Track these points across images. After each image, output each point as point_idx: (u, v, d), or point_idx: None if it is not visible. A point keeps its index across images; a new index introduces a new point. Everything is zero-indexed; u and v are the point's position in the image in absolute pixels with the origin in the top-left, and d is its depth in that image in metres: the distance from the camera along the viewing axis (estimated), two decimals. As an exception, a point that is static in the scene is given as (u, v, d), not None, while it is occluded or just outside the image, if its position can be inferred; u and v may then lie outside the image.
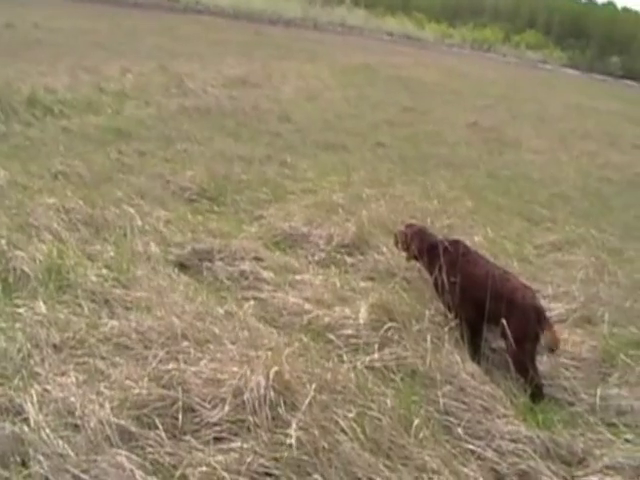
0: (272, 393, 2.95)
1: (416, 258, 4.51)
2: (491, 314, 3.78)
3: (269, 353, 3.19)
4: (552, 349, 3.89)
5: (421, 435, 2.97)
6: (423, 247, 4.39)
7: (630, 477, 3.04)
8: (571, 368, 4.04)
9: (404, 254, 4.65)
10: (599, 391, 3.74)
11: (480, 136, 12.77)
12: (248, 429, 2.86)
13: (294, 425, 2.78)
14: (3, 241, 4.47)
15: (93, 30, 21.20)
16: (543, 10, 63.58)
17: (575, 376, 3.96)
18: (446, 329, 3.88)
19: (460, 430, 3.19)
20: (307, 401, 2.89)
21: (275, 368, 3.03)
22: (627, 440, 3.34)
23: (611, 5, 68.33)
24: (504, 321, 3.72)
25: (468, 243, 4.61)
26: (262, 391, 2.94)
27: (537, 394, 3.67)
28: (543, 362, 4.00)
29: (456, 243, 4.35)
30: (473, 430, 3.23)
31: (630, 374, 3.95)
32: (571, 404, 3.71)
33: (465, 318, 4.01)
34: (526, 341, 3.76)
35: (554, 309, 4.71)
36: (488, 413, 3.37)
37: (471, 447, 3.11)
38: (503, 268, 4.28)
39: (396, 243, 4.69)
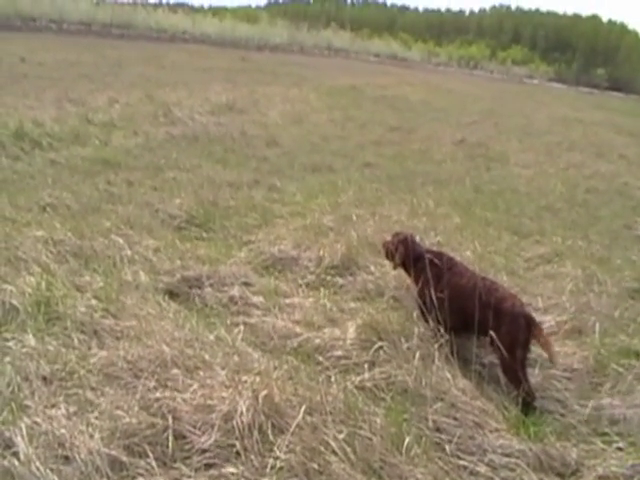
0: (262, 417, 2.95)
1: (402, 266, 4.54)
2: (480, 324, 3.78)
3: (257, 377, 3.19)
4: (547, 354, 3.89)
5: (412, 453, 2.97)
6: (409, 256, 4.42)
7: (623, 486, 3.04)
8: (563, 380, 4.04)
9: (392, 267, 4.68)
10: (591, 402, 3.75)
11: (467, 152, 12.88)
12: (237, 454, 2.86)
13: (284, 448, 2.77)
14: (-9, 275, 4.47)
15: (79, 62, 21.39)
16: (527, 25, 64.50)
17: (567, 387, 3.97)
18: (436, 346, 3.88)
19: (452, 446, 3.18)
20: (295, 423, 2.89)
21: (264, 392, 3.03)
22: (619, 449, 3.34)
23: (595, 17, 69.18)
24: (492, 332, 3.74)
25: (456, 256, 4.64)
26: (251, 415, 2.94)
27: (529, 404, 3.67)
28: (535, 375, 4.00)
29: (440, 255, 4.39)
30: (465, 446, 3.22)
31: (622, 383, 3.95)
32: (563, 415, 3.70)
33: (451, 328, 4.03)
34: (516, 349, 3.76)
35: (545, 322, 4.71)
36: (480, 428, 3.36)
37: (463, 463, 3.10)
38: (490, 279, 4.29)
39: (386, 254, 4.72)
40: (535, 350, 4.10)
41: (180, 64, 25.45)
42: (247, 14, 59.76)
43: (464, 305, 3.92)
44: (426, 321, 4.15)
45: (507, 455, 3.18)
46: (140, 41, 38.40)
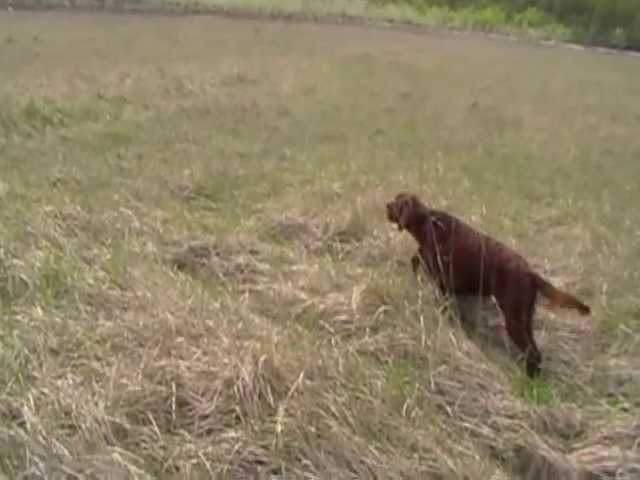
0: (262, 382, 2.96)
1: (406, 227, 4.52)
2: (484, 285, 3.75)
3: (258, 343, 3.20)
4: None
5: (413, 415, 2.97)
6: (412, 217, 4.41)
7: (627, 446, 3.02)
8: (570, 341, 4.02)
9: (397, 229, 4.67)
10: (597, 362, 3.73)
11: (480, 117, 12.73)
12: (238, 419, 2.88)
13: (283, 412, 2.79)
14: (1, 250, 4.48)
15: (91, 39, 21.31)
16: (543, -14, 63.15)
17: (574, 349, 3.95)
18: (440, 309, 3.87)
19: (455, 408, 3.18)
20: (294, 387, 2.90)
21: (263, 357, 3.04)
22: (624, 409, 3.32)
23: (613, -23, 67.59)
24: (497, 293, 3.74)
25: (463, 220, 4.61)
26: (251, 380, 2.95)
27: (534, 366, 3.65)
28: (541, 337, 3.98)
29: (445, 216, 4.36)
30: (468, 408, 3.22)
31: (629, 343, 3.92)
32: (569, 377, 3.69)
33: (456, 290, 4.01)
34: (521, 310, 3.75)
35: (553, 283, 4.67)
36: (484, 390, 3.36)
37: (466, 425, 3.10)
38: (495, 240, 4.26)
39: (389, 216, 4.71)
40: (540, 311, 4.08)
41: (192, 37, 25.27)
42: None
43: (468, 266, 3.90)
44: (431, 281, 4.13)
45: (510, 417, 3.18)
46: (153, 15, 38.12)
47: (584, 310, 3.77)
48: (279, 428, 2.73)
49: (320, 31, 36.51)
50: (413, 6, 61.08)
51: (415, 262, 4.41)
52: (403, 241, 4.94)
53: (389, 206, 4.71)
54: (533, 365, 3.65)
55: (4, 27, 22.37)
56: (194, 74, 14.58)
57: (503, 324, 3.92)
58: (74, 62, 15.21)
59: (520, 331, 3.73)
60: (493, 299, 3.93)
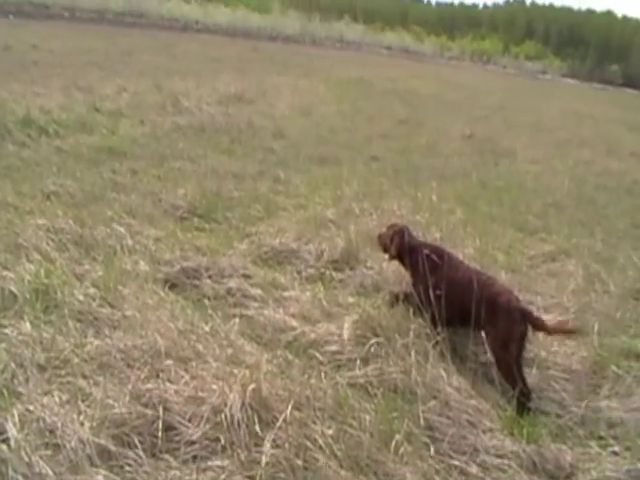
0: (249, 411, 2.93)
1: (397, 257, 4.53)
2: (475, 319, 3.74)
3: (247, 371, 3.17)
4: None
5: (402, 451, 2.94)
6: (404, 247, 4.42)
7: (617, 491, 3.00)
8: (561, 380, 3.99)
9: (388, 259, 4.68)
10: (589, 403, 3.71)
11: (475, 147, 12.80)
12: (224, 447, 2.84)
13: (268, 443, 2.76)
14: (-9, 262, 4.47)
15: (90, 50, 21.37)
16: (541, 20, 64.07)
17: (565, 388, 3.92)
18: (431, 343, 3.85)
19: (443, 445, 3.15)
20: (282, 418, 2.87)
21: (252, 386, 3.01)
22: (615, 453, 3.30)
23: (609, 13, 68.58)
24: (488, 326, 3.74)
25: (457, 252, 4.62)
26: (238, 409, 2.92)
27: (524, 404, 3.63)
28: (532, 374, 3.96)
29: (436, 248, 4.39)
30: (457, 445, 3.19)
31: (620, 385, 3.92)
32: (560, 417, 3.65)
33: (447, 322, 4.00)
34: (511, 345, 3.73)
35: (545, 321, 4.67)
36: (473, 427, 3.34)
37: (455, 462, 3.07)
38: (485, 273, 4.27)
39: (381, 246, 4.73)
40: (532, 349, 4.07)
41: (191, 54, 25.40)
42: (259, 4, 59.47)
43: (459, 299, 3.90)
44: (421, 313, 4.11)
45: (500, 456, 3.15)
46: (152, 30, 38.30)
47: (572, 333, 3.98)
48: (264, 459, 2.70)
49: (318, 54, 36.78)
50: (411, 33, 61.72)
51: (407, 295, 4.40)
52: (396, 272, 4.93)
53: (380, 236, 4.74)
54: (523, 403, 3.63)
55: (3, 34, 22.39)
56: (191, 91, 14.63)
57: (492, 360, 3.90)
58: (71, 72, 15.25)
59: (510, 366, 3.72)
60: (483, 334, 3.92)
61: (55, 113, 10.23)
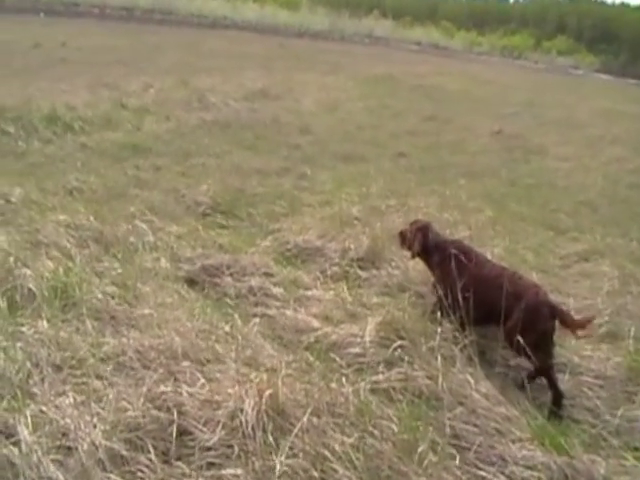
0: (265, 418, 2.81)
1: (419, 255, 4.44)
2: (501, 315, 3.63)
3: (264, 375, 3.05)
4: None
5: (426, 462, 2.79)
6: (427, 244, 4.34)
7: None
8: (594, 387, 3.81)
9: (410, 257, 4.57)
10: (624, 412, 3.53)
11: (504, 144, 12.56)
12: (239, 455, 2.73)
13: (284, 451, 2.64)
14: (11, 259, 4.42)
15: (117, 47, 21.47)
16: (572, 15, 63.16)
17: (598, 395, 3.74)
18: (459, 347, 3.70)
19: (470, 455, 3.00)
20: (299, 426, 2.75)
21: (269, 391, 2.89)
22: (652, 465, 3.12)
23: (644, 7, 67.40)
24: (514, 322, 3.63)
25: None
26: (254, 415, 2.81)
27: (557, 404, 3.52)
28: (564, 380, 3.79)
29: (459, 244, 4.30)
30: (485, 455, 3.03)
31: (657, 393, 3.73)
32: (593, 426, 3.49)
33: (473, 320, 3.86)
34: (539, 340, 3.62)
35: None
36: (501, 436, 3.17)
37: (482, 473, 2.91)
38: (511, 269, 4.16)
39: (402, 243, 4.61)
40: (564, 354, 3.91)
41: (218, 50, 25.36)
42: (288, 1, 59.44)
43: (485, 296, 3.79)
44: (443, 312, 3.98)
45: (529, 467, 2.98)
46: (181, 27, 38.38)
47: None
48: (279, 469, 2.58)
49: (345, 50, 36.52)
50: (440, 29, 61.19)
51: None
52: (422, 272, 4.78)
53: (402, 232, 4.63)
54: (556, 403, 3.50)
55: (34, 33, 22.64)
56: (217, 87, 14.61)
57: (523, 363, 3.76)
58: (98, 69, 15.35)
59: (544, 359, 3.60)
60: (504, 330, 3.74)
61: (80, 110, 10.32)
